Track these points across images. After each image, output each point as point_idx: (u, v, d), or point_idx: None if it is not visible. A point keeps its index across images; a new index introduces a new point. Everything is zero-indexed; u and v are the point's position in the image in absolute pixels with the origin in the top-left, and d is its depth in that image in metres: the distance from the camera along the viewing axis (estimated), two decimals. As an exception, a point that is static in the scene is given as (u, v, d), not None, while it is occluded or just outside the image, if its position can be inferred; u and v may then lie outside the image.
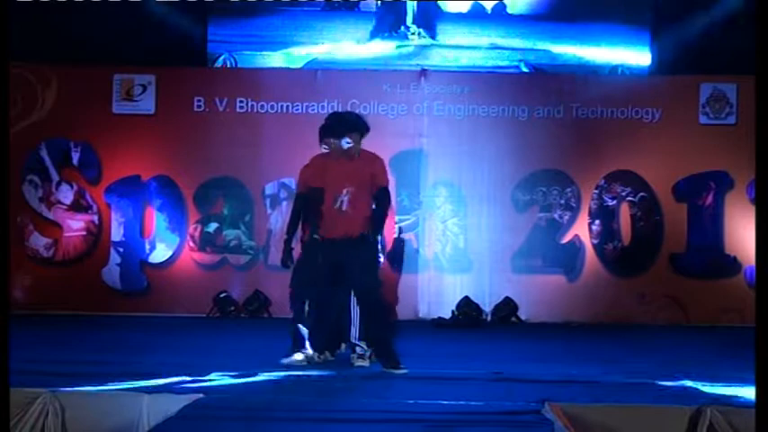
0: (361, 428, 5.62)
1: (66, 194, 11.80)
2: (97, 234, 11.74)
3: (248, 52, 12.52)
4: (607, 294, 11.52)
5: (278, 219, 11.74)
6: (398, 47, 12.53)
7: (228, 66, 12.44)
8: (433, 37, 12.54)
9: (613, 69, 12.40)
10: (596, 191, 11.73)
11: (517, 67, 12.47)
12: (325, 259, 7.49)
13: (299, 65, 12.47)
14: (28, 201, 11.75)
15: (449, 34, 12.54)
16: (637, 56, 12.37)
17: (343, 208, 7.40)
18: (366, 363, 7.60)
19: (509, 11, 12.57)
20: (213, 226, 11.90)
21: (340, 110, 11.45)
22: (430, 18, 12.58)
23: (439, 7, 12.62)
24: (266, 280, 11.68)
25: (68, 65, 11.78)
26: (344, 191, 7.40)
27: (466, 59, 12.48)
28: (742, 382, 6.96)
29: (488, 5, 12.53)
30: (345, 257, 7.39)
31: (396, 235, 11.74)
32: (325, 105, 11.79)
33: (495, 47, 12.50)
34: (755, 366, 5.23)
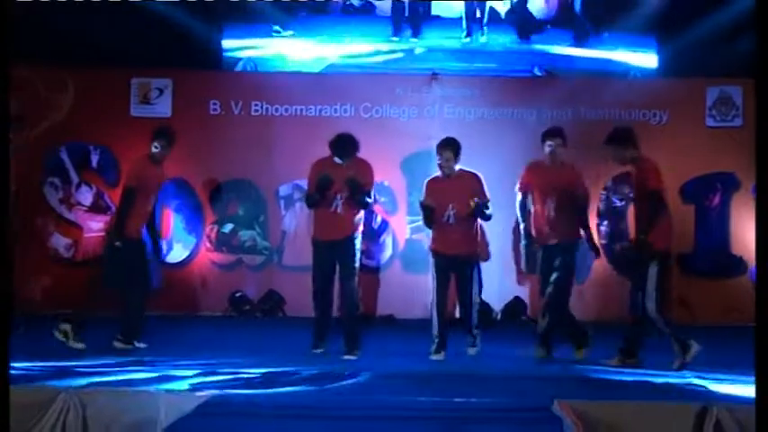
0: (373, 425, 5.64)
1: (86, 196, 11.84)
2: (114, 235, 11.79)
3: (266, 56, 12.50)
4: (615, 294, 11.48)
5: (292, 220, 11.77)
6: (411, 50, 12.52)
7: (248, 70, 12.44)
8: (444, 41, 12.53)
9: (625, 72, 12.37)
10: (604, 192, 11.72)
11: (530, 70, 12.45)
12: (322, 258, 8.31)
13: (316, 69, 12.45)
14: (49, 202, 11.80)
15: (461, 38, 12.52)
16: (644, 59, 12.34)
17: (338, 211, 8.18)
18: (477, 350, 8.42)
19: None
20: (229, 227, 11.93)
21: (352, 112, 11.71)
22: (442, 22, 12.56)
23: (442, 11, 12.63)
24: (280, 279, 11.71)
25: (88, 69, 11.80)
26: (338, 196, 8.15)
27: (481, 63, 12.45)
28: (748, 380, 6.96)
29: (502, 11, 12.51)
30: (336, 258, 8.21)
31: (408, 236, 11.78)
32: (338, 108, 11.83)
33: (508, 51, 12.48)
34: (755, 365, 5.22)
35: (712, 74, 11.64)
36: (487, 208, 8.36)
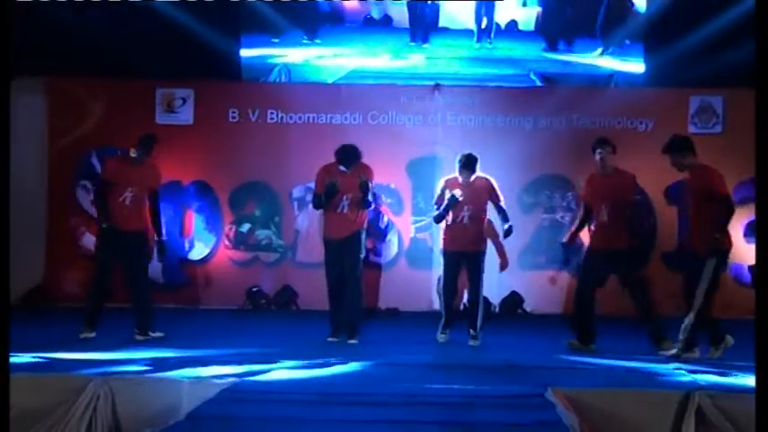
0: (379, 411, 5.65)
1: (114, 198, 11.84)
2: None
3: (298, 62, 12.44)
4: (605, 288, 11.47)
5: (304, 220, 11.77)
6: (417, 59, 12.52)
7: (283, 76, 12.42)
8: (450, 50, 12.54)
9: (609, 77, 12.36)
10: (595, 194, 11.71)
11: (527, 75, 12.45)
12: (333, 255, 8.40)
13: (341, 75, 12.41)
14: (81, 204, 11.83)
15: (467, 48, 12.55)
16: (631, 66, 12.34)
17: (345, 211, 8.36)
18: (478, 343, 8.47)
19: (520, 27, 12.61)
20: (246, 226, 11.95)
21: (361, 120, 11.74)
22: (449, 33, 12.59)
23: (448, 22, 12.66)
24: (294, 275, 11.72)
25: (116, 79, 11.83)
26: (344, 198, 8.34)
27: (483, 70, 12.45)
28: (728, 368, 6.98)
29: (503, 24, 12.55)
30: (345, 253, 8.34)
31: (412, 235, 11.80)
32: (348, 117, 11.85)
33: (508, 58, 12.49)
34: (756, 359, 5.19)
35: (695, 84, 11.64)
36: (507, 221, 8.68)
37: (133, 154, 8.60)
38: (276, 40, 12.43)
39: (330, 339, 8.40)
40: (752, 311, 10.75)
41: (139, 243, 8.49)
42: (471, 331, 8.54)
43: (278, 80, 12.39)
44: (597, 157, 8.32)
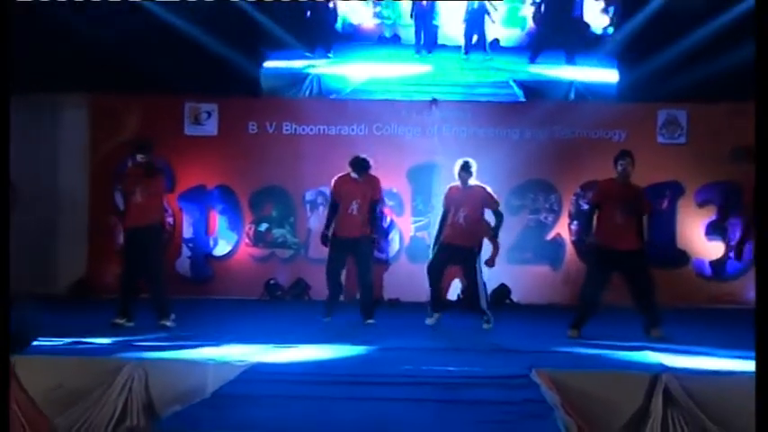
0: (383, 389, 5.65)
1: (148, 201, 11.81)
2: (172, 232, 11.71)
3: (326, 74, 12.41)
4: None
5: (316, 220, 11.74)
6: (421, 68, 12.53)
7: (313, 85, 12.38)
8: (447, 62, 12.55)
9: (569, 85, 12.27)
10: (574, 197, 11.69)
11: (506, 82, 12.43)
12: (340, 251, 8.60)
13: (355, 86, 12.38)
14: (118, 205, 11.78)
15: (458, 61, 12.55)
16: (606, 76, 12.27)
17: (354, 214, 8.51)
18: (491, 326, 8.46)
19: (501, 44, 12.64)
20: (264, 226, 11.93)
21: (366, 131, 11.69)
22: (446, 48, 12.61)
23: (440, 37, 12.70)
24: (307, 269, 11.69)
25: (149, 95, 11.82)
26: (354, 202, 8.49)
27: (471, 77, 12.45)
28: (693, 353, 6.97)
29: (488, 41, 12.57)
30: (356, 252, 8.52)
31: (411, 233, 11.78)
32: (355, 128, 11.83)
33: (491, 68, 12.48)
34: (756, 352, 5.12)
35: (661, 96, 11.60)
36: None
37: (140, 159, 8.57)
38: (310, 54, 12.45)
39: (325, 320, 8.60)
40: (711, 301, 10.78)
41: (149, 237, 8.35)
42: (484, 315, 8.54)
43: (310, 88, 12.36)
44: (620, 167, 8.07)
